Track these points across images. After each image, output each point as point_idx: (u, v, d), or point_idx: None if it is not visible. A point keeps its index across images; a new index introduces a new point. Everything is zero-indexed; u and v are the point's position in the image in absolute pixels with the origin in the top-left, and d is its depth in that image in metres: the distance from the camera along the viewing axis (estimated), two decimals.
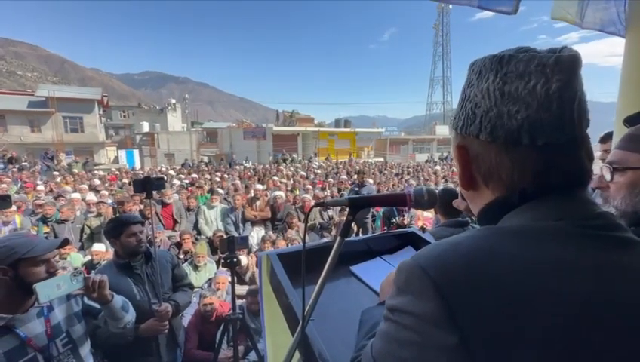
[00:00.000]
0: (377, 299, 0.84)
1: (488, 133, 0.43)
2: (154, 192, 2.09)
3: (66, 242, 1.41)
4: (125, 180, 9.88)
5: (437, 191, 0.74)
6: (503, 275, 0.36)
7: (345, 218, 0.68)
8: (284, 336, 0.89)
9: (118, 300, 1.45)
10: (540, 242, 0.39)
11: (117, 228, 1.92)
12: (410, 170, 13.70)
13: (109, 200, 5.86)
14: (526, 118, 0.41)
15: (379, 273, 1.00)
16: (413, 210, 4.60)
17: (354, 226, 4.85)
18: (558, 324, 0.34)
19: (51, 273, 1.28)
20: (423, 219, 4.65)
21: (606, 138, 2.03)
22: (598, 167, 0.92)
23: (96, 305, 1.45)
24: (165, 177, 9.54)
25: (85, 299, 1.45)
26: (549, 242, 0.39)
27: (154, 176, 2.17)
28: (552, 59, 0.40)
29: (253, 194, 5.58)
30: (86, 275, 1.33)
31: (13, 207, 4.47)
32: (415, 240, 1.22)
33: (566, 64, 0.40)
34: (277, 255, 0.98)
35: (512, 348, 0.34)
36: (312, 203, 5.75)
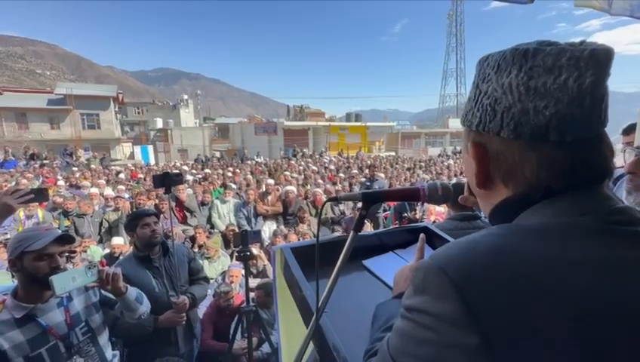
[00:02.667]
0: (390, 293, 0.84)
1: (511, 130, 0.42)
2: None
3: (65, 238, 1.37)
4: (140, 175, 10.11)
5: (451, 185, 0.73)
6: (525, 274, 0.36)
7: (358, 213, 0.68)
8: (298, 328, 0.91)
9: (132, 292, 1.50)
10: (561, 240, 0.38)
11: (132, 221, 2.00)
12: (422, 164, 13.52)
13: (126, 195, 6.02)
14: (555, 113, 0.40)
15: (392, 267, 1.01)
16: (425, 205, 4.56)
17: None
18: (583, 324, 0.34)
19: (53, 268, 1.29)
20: (436, 214, 4.60)
21: (629, 129, 1.96)
22: (627, 154, 0.89)
23: (113, 297, 1.50)
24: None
25: (102, 290, 1.50)
26: (571, 239, 0.38)
27: (172, 171, 2.22)
28: (586, 53, 0.39)
29: (264, 189, 5.63)
30: (100, 268, 1.38)
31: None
32: (428, 235, 1.21)
33: (601, 58, 0.39)
34: (290, 249, 1.00)
35: (535, 349, 0.33)
36: (323, 197, 5.77)
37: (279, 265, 1.04)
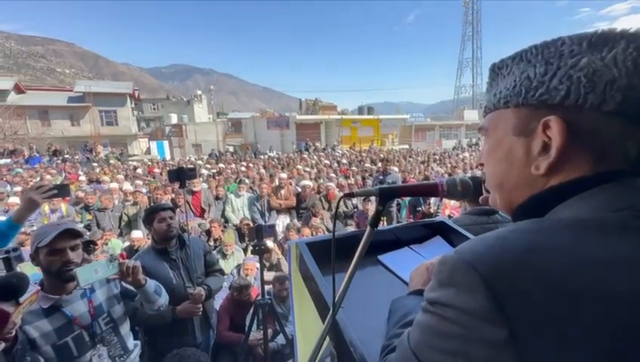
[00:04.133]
0: (406, 289, 0.83)
1: (618, 103, 0.39)
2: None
3: (72, 232, 1.37)
4: (157, 170, 10.34)
5: (469, 179, 0.71)
6: (556, 271, 0.35)
7: (375, 208, 0.67)
8: (314, 322, 0.91)
9: (151, 284, 1.54)
10: (596, 236, 0.37)
11: (149, 215, 2.05)
12: (437, 157, 13.29)
13: (144, 190, 6.18)
14: None
15: (408, 263, 0.99)
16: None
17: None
18: (613, 325, 0.33)
19: (65, 262, 1.32)
20: (450, 208, 4.53)
21: None
22: None
23: (133, 288, 1.55)
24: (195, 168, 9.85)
25: (123, 282, 1.55)
26: (607, 236, 0.37)
27: (186, 166, 2.26)
28: None
29: (278, 183, 5.67)
30: (121, 261, 1.42)
31: None
32: (445, 230, 1.19)
33: None
34: (306, 244, 1.00)
35: (564, 347, 0.33)
36: (337, 192, 5.76)
37: (295, 260, 1.05)
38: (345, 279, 0.68)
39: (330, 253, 0.70)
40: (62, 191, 1.60)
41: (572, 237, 0.37)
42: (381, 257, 1.06)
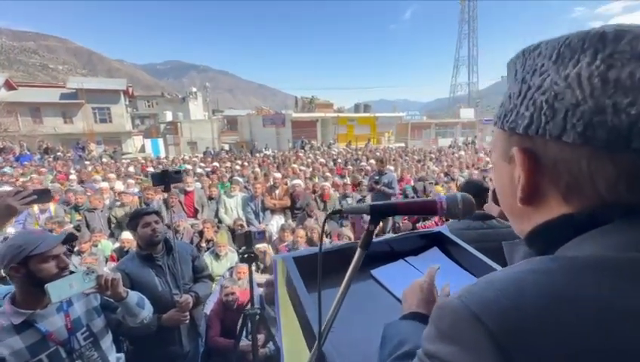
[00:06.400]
0: (400, 307, 0.77)
1: (579, 133, 0.33)
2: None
3: (70, 237, 1.38)
4: (151, 168, 10.17)
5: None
6: (581, 328, 0.28)
7: (366, 229, 0.60)
8: (300, 343, 0.84)
9: (134, 297, 1.46)
10: (625, 280, 0.30)
11: (133, 220, 1.96)
12: (433, 155, 13.26)
13: (136, 189, 6.05)
14: None
15: (402, 277, 0.93)
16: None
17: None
18: None
19: (62, 268, 1.28)
20: None
21: None
22: None
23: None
24: (191, 166, 9.75)
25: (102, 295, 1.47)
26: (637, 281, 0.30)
27: (172, 169, 2.16)
28: None
29: (272, 183, 5.58)
30: (99, 274, 1.33)
31: None
32: (442, 241, 1.13)
33: None
34: (293, 258, 0.93)
35: None
36: (331, 191, 5.69)
37: (281, 276, 0.98)
38: (332, 307, 0.61)
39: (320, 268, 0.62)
40: (42, 196, 1.49)
41: (596, 282, 0.30)
42: (374, 272, 1.00)
